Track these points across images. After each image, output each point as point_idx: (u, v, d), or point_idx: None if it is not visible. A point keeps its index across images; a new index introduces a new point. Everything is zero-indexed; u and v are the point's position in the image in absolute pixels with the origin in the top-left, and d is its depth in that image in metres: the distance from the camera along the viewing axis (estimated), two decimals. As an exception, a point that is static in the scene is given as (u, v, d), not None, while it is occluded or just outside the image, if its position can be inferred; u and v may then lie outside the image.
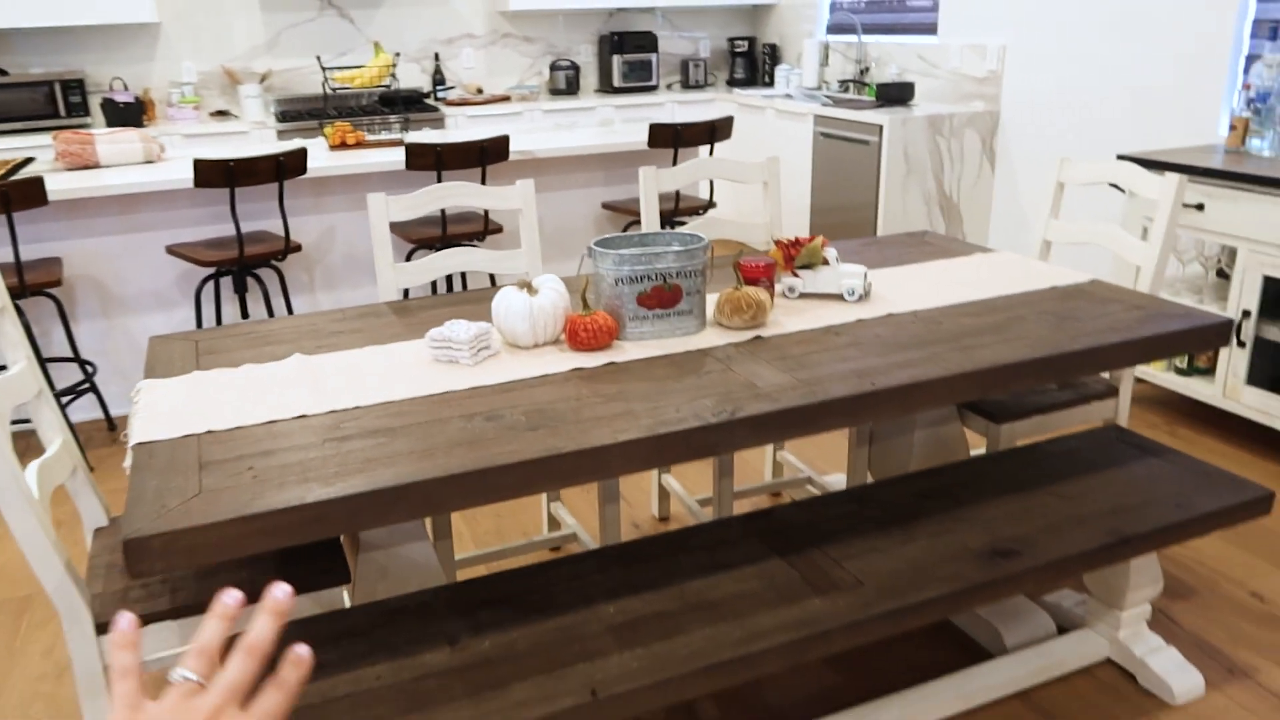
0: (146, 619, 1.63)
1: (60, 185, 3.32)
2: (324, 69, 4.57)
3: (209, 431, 1.59)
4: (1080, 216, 4.14)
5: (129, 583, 1.71)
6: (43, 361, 3.35)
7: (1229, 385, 3.12)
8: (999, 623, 2.18)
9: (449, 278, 3.93)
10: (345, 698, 1.42)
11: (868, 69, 5.59)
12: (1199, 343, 1.96)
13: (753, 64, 6.52)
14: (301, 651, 0.68)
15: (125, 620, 0.66)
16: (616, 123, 5.68)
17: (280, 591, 0.69)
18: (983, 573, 1.70)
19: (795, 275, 2.19)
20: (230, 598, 0.69)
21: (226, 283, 3.75)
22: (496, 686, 1.44)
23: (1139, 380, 3.69)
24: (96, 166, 3.71)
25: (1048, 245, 2.66)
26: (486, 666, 1.48)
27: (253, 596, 1.68)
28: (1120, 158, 3.32)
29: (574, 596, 1.66)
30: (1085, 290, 2.20)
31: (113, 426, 3.61)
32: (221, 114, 5.45)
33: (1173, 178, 2.29)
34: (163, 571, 1.30)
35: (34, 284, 3.13)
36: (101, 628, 1.60)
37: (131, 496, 1.38)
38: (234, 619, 0.69)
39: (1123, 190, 2.93)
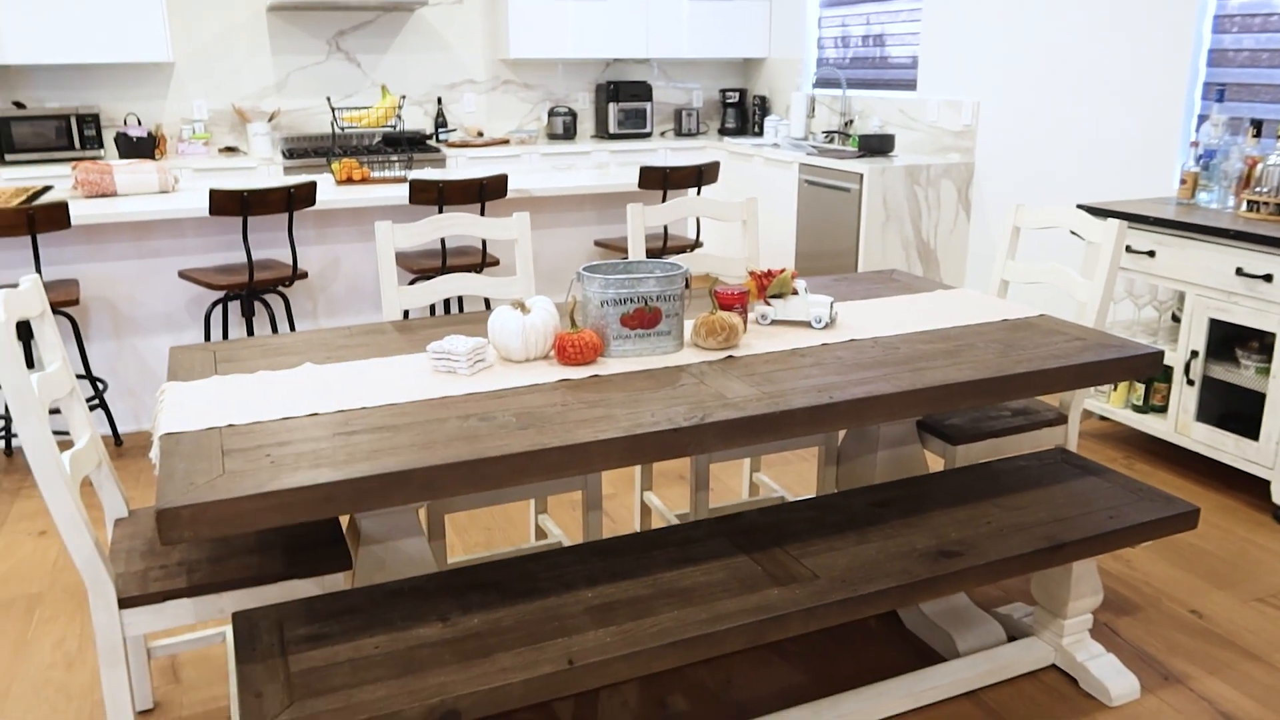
0: (164, 596, 1.78)
1: (82, 211, 3.51)
2: (333, 108, 4.82)
3: (230, 425, 1.76)
4: (1049, 260, 4.37)
5: (148, 564, 1.87)
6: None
7: (1180, 421, 3.31)
8: (952, 629, 2.34)
9: (447, 302, 4.12)
10: (346, 663, 1.58)
11: (851, 121, 5.86)
12: (1131, 371, 2.15)
13: (743, 114, 6.80)
14: None
15: None
16: (611, 167, 5.92)
17: None
18: (929, 569, 1.87)
19: (767, 303, 2.38)
20: None
21: (234, 307, 3.93)
22: (483, 655, 1.60)
23: (1101, 418, 3.88)
24: (113, 195, 3.90)
25: (1005, 284, 2.86)
26: (474, 639, 1.65)
27: (261, 579, 1.84)
28: (1080, 207, 3.54)
29: (555, 583, 1.82)
30: (1033, 323, 2.40)
31: (119, 442, 3.76)
32: (230, 150, 5.67)
33: (1113, 223, 2.50)
34: (191, 539, 1.47)
35: (53, 303, 3.31)
36: (124, 602, 1.76)
37: (162, 475, 1.55)
38: None
39: (1082, 237, 3.15)
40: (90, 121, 5.27)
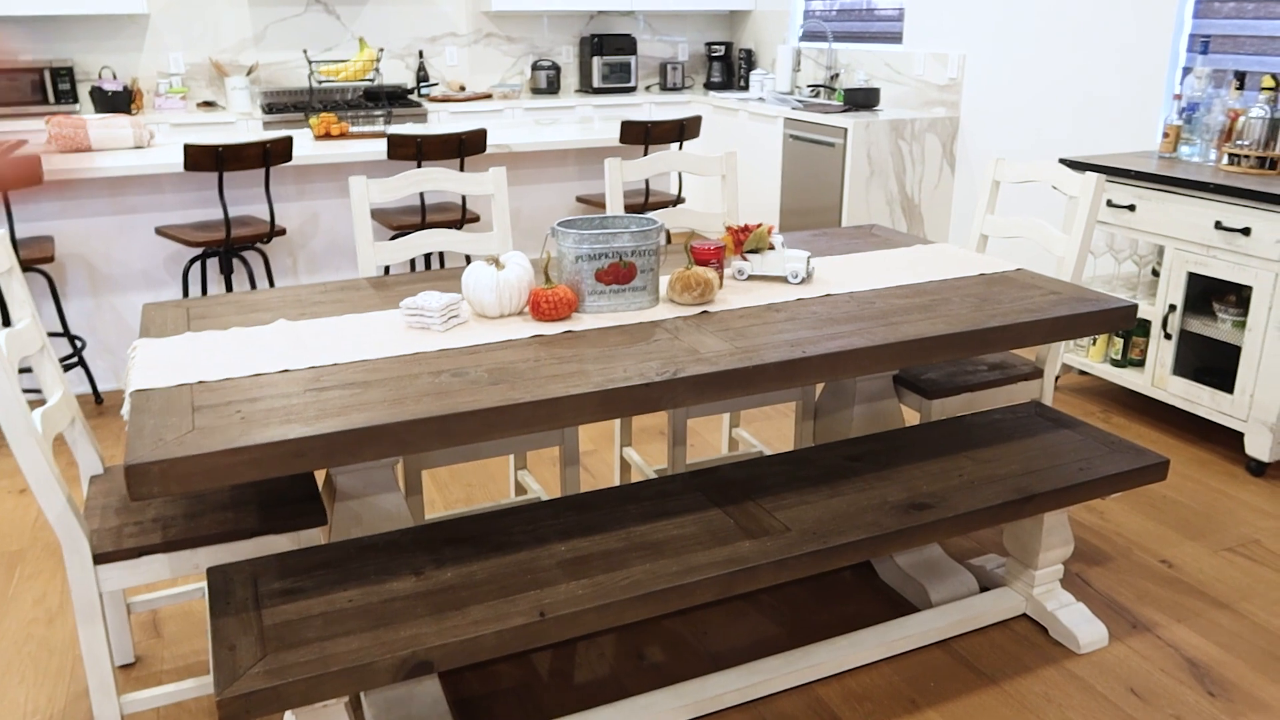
0: (139, 552, 1.79)
1: (55, 166, 3.46)
2: (310, 62, 4.74)
3: (200, 382, 1.75)
4: (1034, 216, 4.36)
5: (123, 520, 1.87)
6: (34, 335, 3.48)
7: (1157, 375, 3.34)
8: (925, 581, 2.37)
9: (428, 258, 4.10)
10: (319, 616, 1.59)
11: (837, 75, 5.80)
12: (1105, 324, 2.16)
13: (729, 68, 6.72)
14: None
15: None
16: (595, 121, 5.86)
17: None
18: (899, 521, 1.89)
19: (744, 259, 2.38)
20: None
21: (213, 264, 3.90)
22: (456, 608, 1.62)
23: (1080, 372, 3.91)
24: (88, 150, 3.85)
25: (984, 239, 2.86)
26: (448, 592, 1.66)
27: (235, 535, 1.85)
28: (1062, 161, 3.53)
29: (530, 537, 1.83)
30: (1010, 277, 2.40)
31: (99, 400, 3.75)
32: (208, 105, 5.59)
33: (1091, 176, 2.49)
34: (160, 495, 1.47)
35: (27, 260, 3.28)
36: (99, 558, 1.76)
37: (132, 431, 1.55)
38: None
39: (1063, 191, 3.14)
40: (64, 75, 5.18)
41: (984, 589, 2.42)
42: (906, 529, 1.87)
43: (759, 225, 2.37)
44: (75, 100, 5.22)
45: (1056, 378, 2.82)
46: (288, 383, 1.75)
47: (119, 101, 5.25)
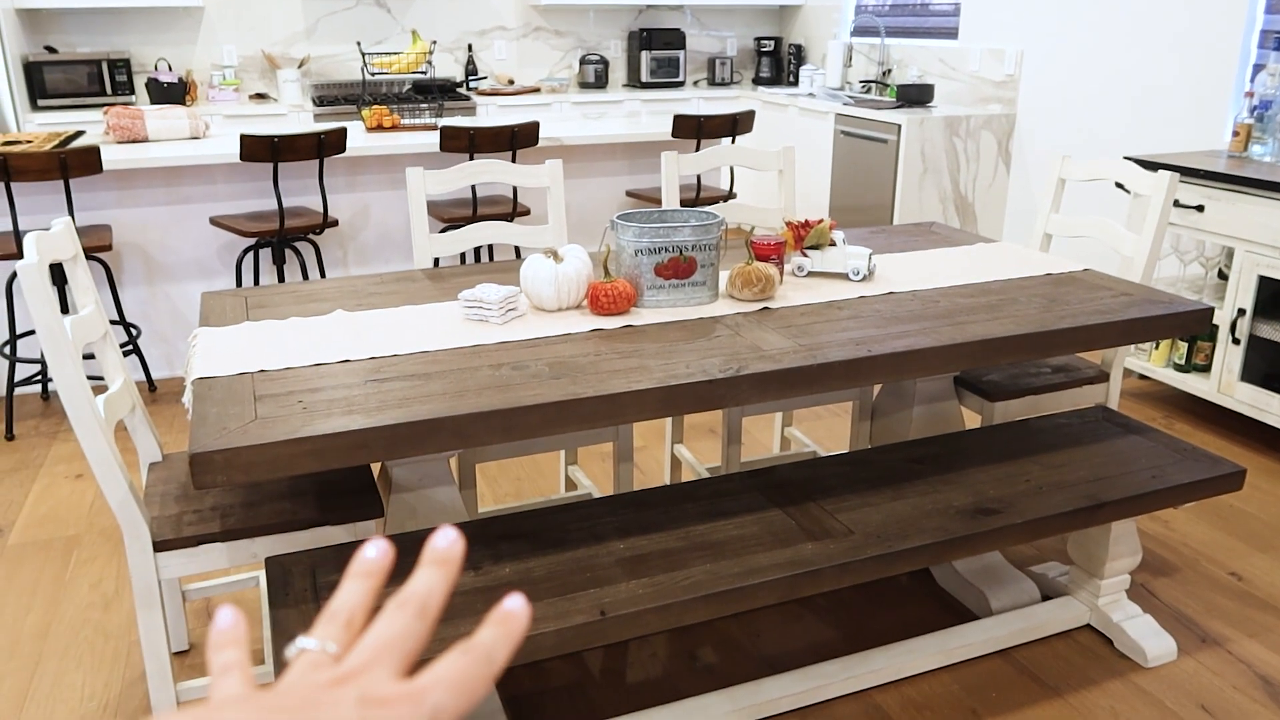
0: (198, 540, 1.79)
1: (113, 156, 3.50)
2: (363, 54, 4.76)
3: (261, 371, 1.75)
4: (1089, 215, 4.27)
5: (182, 509, 1.88)
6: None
7: (1224, 381, 3.24)
8: (986, 587, 2.32)
9: (477, 251, 4.09)
10: (377, 609, 1.58)
11: (890, 71, 5.72)
12: (1179, 328, 2.09)
13: (778, 63, 6.66)
14: (515, 606, 0.46)
15: (226, 616, 0.48)
16: (643, 116, 5.84)
17: (446, 536, 0.48)
18: (965, 527, 1.84)
19: (804, 254, 2.33)
20: (375, 549, 0.49)
21: (265, 254, 3.93)
22: (515, 605, 1.59)
23: (1141, 377, 3.81)
24: (145, 141, 3.89)
25: (1048, 238, 2.78)
26: (506, 588, 1.64)
27: (293, 525, 1.84)
28: (1126, 159, 3.44)
29: (587, 534, 1.81)
30: (1077, 278, 2.33)
31: (153, 387, 3.79)
32: (260, 97, 5.64)
33: (1164, 175, 2.42)
34: (224, 484, 1.46)
35: (85, 248, 3.31)
36: (158, 545, 1.77)
37: (195, 419, 1.54)
38: (383, 576, 0.49)
39: (1128, 191, 3.06)
40: (121, 67, 5.25)
41: (1046, 597, 2.36)
42: (974, 535, 1.82)
43: (820, 221, 2.33)
44: (132, 91, 5.29)
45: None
46: (348, 373, 1.74)
47: (174, 93, 5.31)
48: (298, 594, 1.62)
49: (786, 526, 1.83)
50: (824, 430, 3.41)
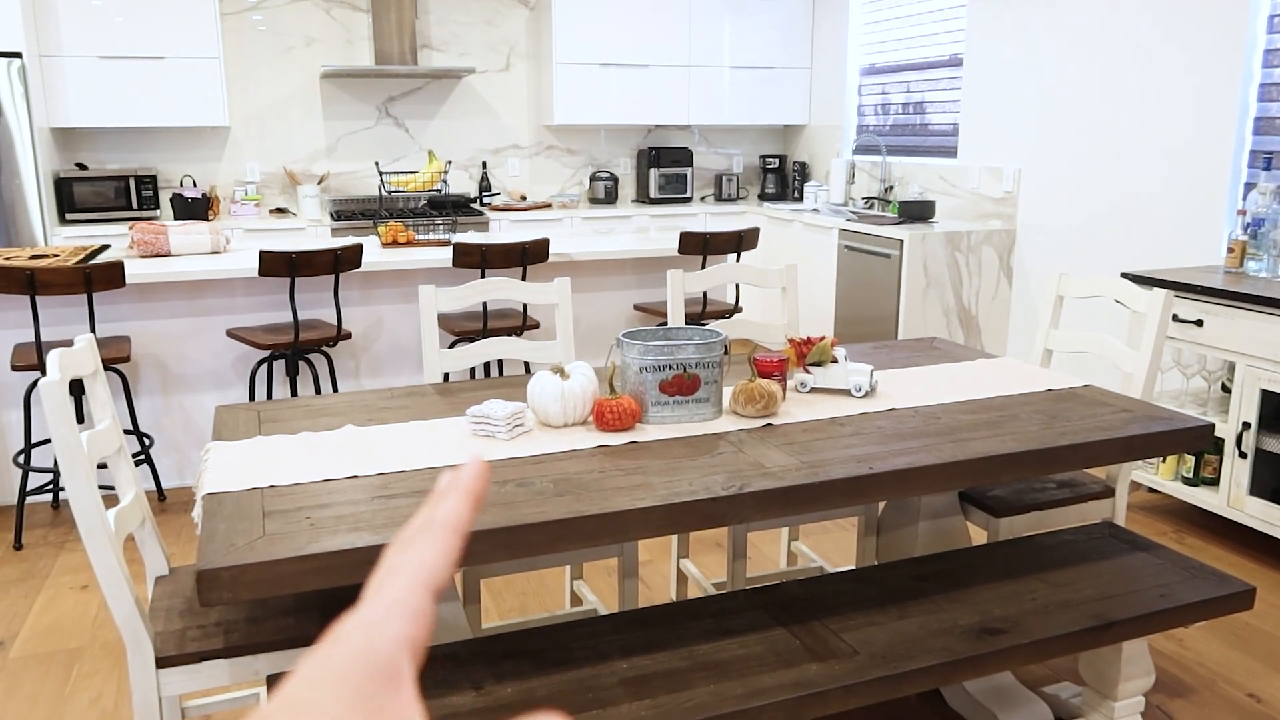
0: (201, 656, 1.79)
1: (136, 270, 3.61)
2: (381, 173, 4.93)
3: (271, 486, 1.78)
4: (1090, 329, 4.33)
5: (186, 624, 1.88)
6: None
7: (1233, 495, 3.23)
8: (997, 709, 2.27)
9: (487, 366, 4.15)
10: None
11: (891, 187, 5.88)
12: (1180, 445, 2.11)
13: (783, 180, 6.85)
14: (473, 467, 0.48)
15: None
16: (652, 231, 5.98)
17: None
18: (971, 647, 1.82)
19: (807, 371, 2.37)
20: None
21: (279, 366, 4.00)
22: (516, 726, 1.58)
23: (1150, 490, 3.79)
24: (167, 255, 4.01)
25: (1048, 354, 2.83)
26: (507, 709, 1.63)
27: (297, 642, 1.84)
28: (1125, 276, 3.51)
29: (590, 653, 1.80)
30: (1078, 394, 2.36)
31: (163, 497, 3.81)
32: (280, 211, 5.82)
33: (1159, 293, 2.47)
34: (230, 601, 1.47)
35: (106, 359, 3.38)
36: (161, 661, 1.76)
37: (204, 536, 1.56)
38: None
39: (1129, 307, 3.11)
40: (148, 183, 5.44)
41: (1058, 719, 2.31)
42: (981, 655, 1.81)
43: (821, 338, 2.38)
44: (156, 206, 5.47)
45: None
46: (356, 489, 1.76)
47: (197, 208, 5.49)
48: (298, 714, 1.60)
49: (791, 646, 1.82)
50: (830, 544, 3.39)
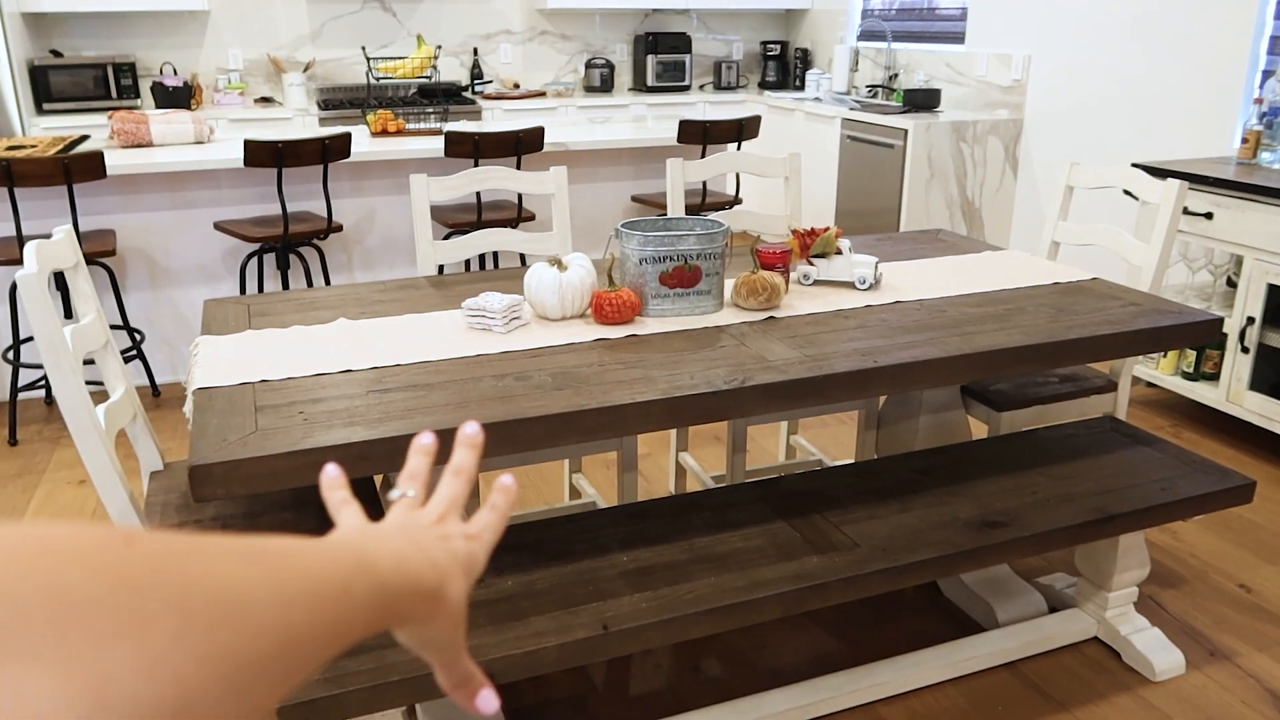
0: (199, 551, 1.78)
1: (117, 161, 3.50)
2: (368, 59, 4.75)
3: (263, 381, 1.74)
4: (1095, 222, 4.24)
5: (182, 519, 1.86)
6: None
7: (1232, 390, 3.21)
8: (992, 599, 2.30)
9: (482, 259, 4.08)
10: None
11: (896, 75, 5.70)
12: (1188, 338, 2.07)
13: (784, 67, 6.64)
14: (507, 481, 0.68)
15: (331, 469, 0.68)
16: (649, 120, 5.82)
17: (471, 427, 0.69)
18: (972, 540, 1.82)
19: (810, 263, 2.32)
20: (427, 438, 0.70)
21: (270, 259, 3.92)
22: (517, 619, 1.58)
23: (1149, 385, 3.78)
24: (149, 145, 3.89)
25: (1056, 246, 2.76)
26: (508, 602, 1.62)
27: (298, 534, 1.83)
28: (1134, 166, 3.42)
29: (590, 546, 1.79)
30: (1086, 287, 2.32)
31: (157, 392, 3.79)
32: (265, 100, 5.64)
33: (1173, 183, 2.40)
34: (223, 497, 1.45)
35: (89, 254, 3.31)
36: (159, 556, 1.75)
37: (195, 431, 1.53)
38: (432, 456, 0.69)
39: (1136, 198, 3.03)
40: (127, 71, 5.25)
41: (1053, 609, 2.34)
42: (980, 548, 1.81)
43: (825, 229, 2.31)
44: (137, 95, 5.29)
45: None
46: (350, 383, 1.72)
47: (179, 97, 5.31)
48: (298, 606, 1.60)
49: (791, 539, 1.82)
50: (830, 438, 3.39)
